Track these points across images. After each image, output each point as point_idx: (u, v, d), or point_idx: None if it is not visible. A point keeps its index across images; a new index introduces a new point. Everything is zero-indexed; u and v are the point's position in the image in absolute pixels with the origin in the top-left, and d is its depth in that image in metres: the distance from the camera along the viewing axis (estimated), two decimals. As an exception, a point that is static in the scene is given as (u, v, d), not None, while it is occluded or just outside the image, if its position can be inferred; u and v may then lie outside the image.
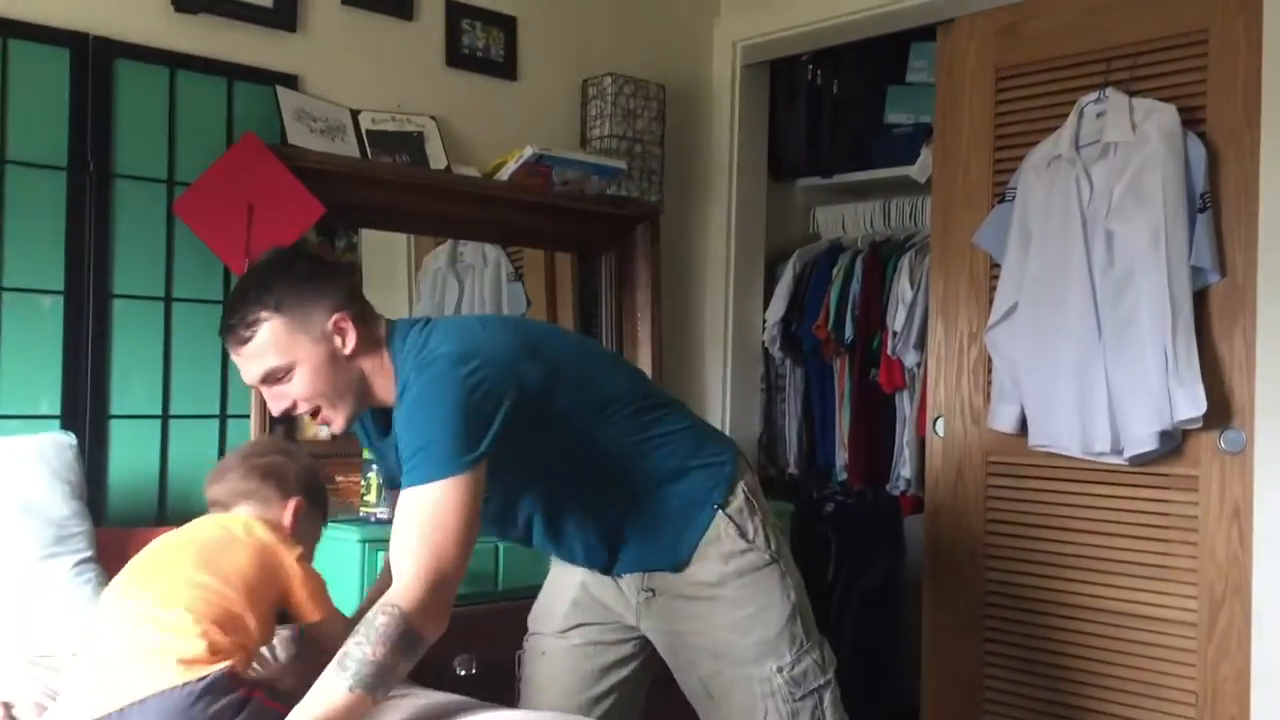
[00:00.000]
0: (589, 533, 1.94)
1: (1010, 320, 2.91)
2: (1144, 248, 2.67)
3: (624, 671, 2.07)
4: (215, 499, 1.85)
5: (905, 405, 3.65)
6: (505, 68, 3.25)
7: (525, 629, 2.15)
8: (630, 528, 1.94)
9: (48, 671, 1.93)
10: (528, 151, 3.02)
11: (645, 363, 3.35)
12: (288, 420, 2.77)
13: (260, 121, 2.75)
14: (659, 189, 3.46)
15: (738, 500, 1.96)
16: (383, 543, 2.07)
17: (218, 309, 2.70)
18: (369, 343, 1.82)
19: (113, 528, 2.41)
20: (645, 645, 2.08)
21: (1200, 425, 2.65)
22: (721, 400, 3.73)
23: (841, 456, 3.78)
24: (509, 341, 1.83)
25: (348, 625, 1.72)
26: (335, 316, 1.79)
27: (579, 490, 1.91)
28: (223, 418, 2.72)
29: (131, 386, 2.59)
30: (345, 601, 1.96)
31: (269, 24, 2.80)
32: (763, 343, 3.85)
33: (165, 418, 2.63)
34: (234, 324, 1.78)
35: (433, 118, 3.06)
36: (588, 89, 3.40)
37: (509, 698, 2.11)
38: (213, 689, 1.55)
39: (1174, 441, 2.71)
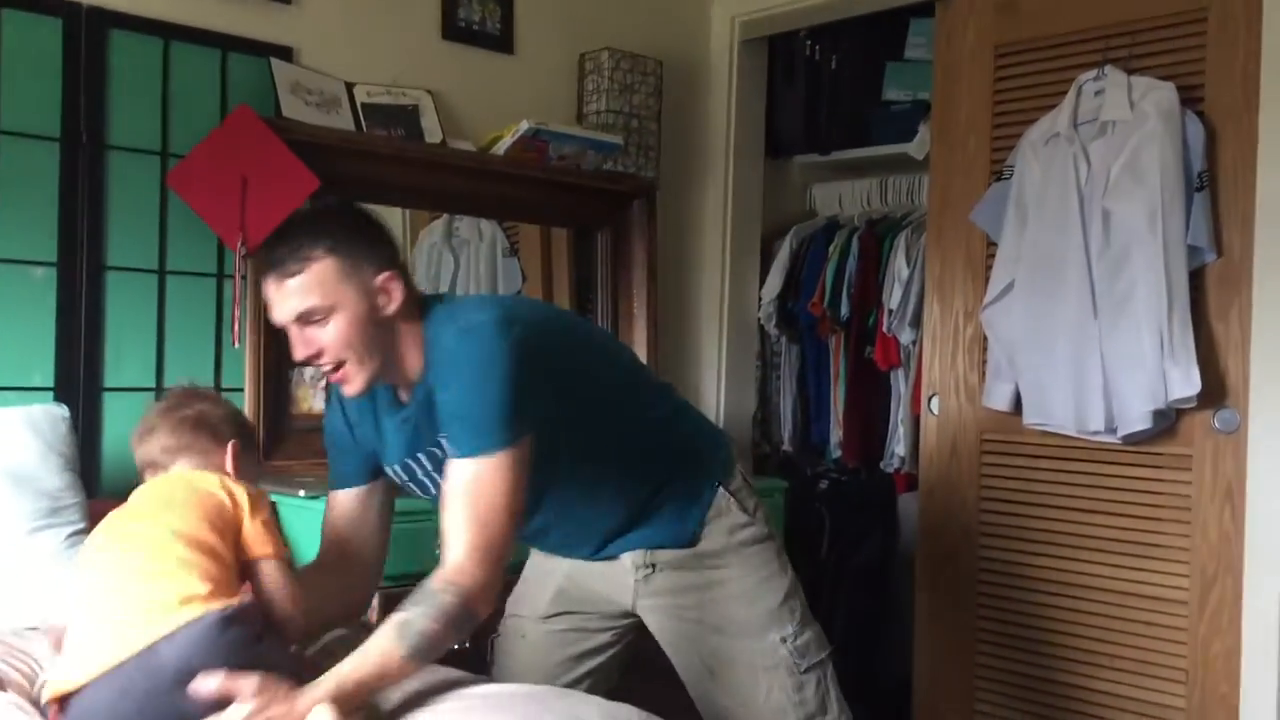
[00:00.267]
0: (601, 513, 1.93)
1: (1006, 298, 2.91)
2: (1141, 227, 2.67)
3: (599, 659, 2.09)
4: (149, 459, 1.82)
5: (900, 383, 3.65)
6: (502, 41, 3.23)
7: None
8: (641, 506, 1.94)
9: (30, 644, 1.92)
10: (524, 126, 3.01)
11: (641, 338, 3.35)
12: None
13: (255, 94, 2.73)
14: (655, 165, 3.45)
15: (737, 480, 2.01)
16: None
17: (212, 281, 2.71)
18: (408, 309, 1.78)
19: (106, 500, 2.40)
20: (623, 634, 2.09)
21: (1194, 405, 2.66)
22: (717, 377, 3.73)
23: (836, 434, 3.78)
24: (542, 312, 1.83)
25: (296, 576, 1.73)
26: (384, 274, 1.75)
27: (599, 469, 1.89)
28: (217, 390, 2.71)
29: (125, 359, 2.59)
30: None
31: (264, -5, 2.79)
32: (758, 320, 3.85)
33: (159, 390, 2.63)
34: (283, 256, 1.72)
35: (429, 91, 3.05)
36: (585, 63, 3.39)
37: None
38: (239, 617, 1.56)
39: (1168, 420, 2.72)
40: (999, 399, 2.97)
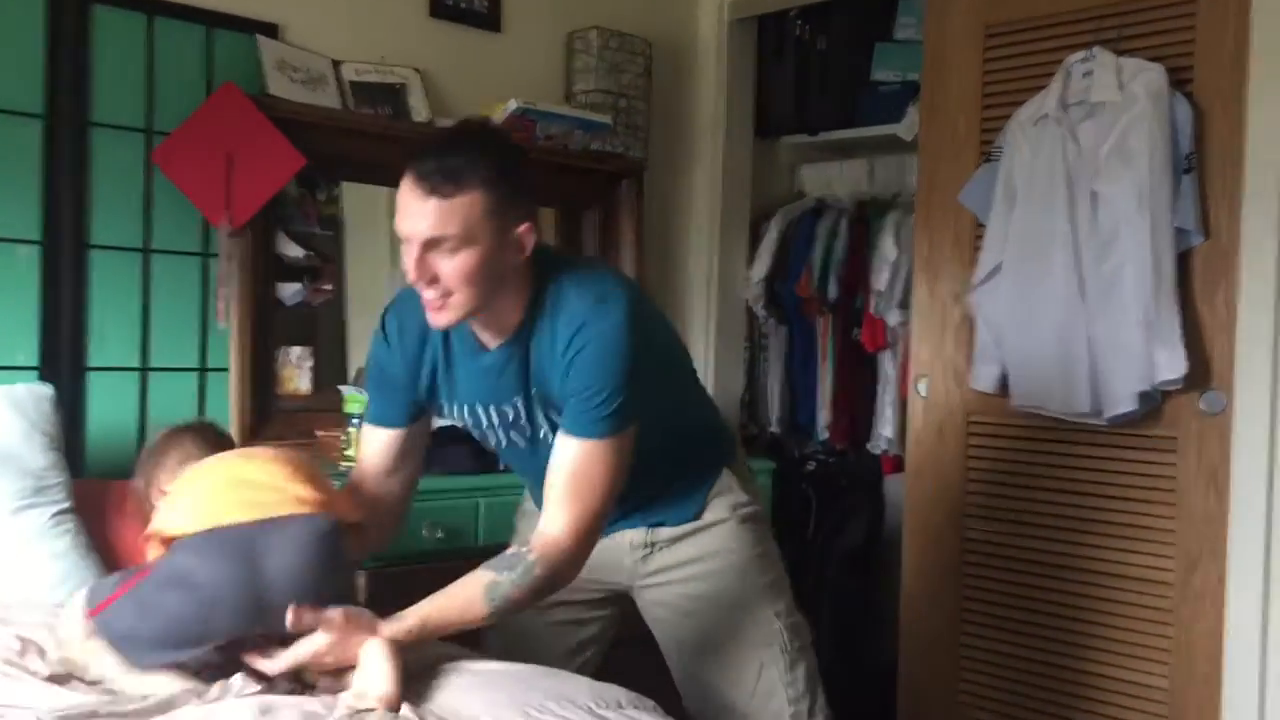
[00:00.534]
0: (637, 487, 1.87)
1: (994, 280, 2.91)
2: (1129, 208, 2.67)
3: (591, 650, 2.10)
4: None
5: (888, 365, 3.65)
6: (490, 19, 3.22)
7: None
8: (658, 490, 1.94)
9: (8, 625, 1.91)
10: (511, 105, 3.00)
11: (628, 320, 3.34)
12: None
13: (240, 71, 2.71)
14: (644, 145, 3.44)
15: (740, 460, 2.06)
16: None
17: (197, 260, 2.69)
18: (529, 263, 1.72)
19: (91, 479, 2.40)
20: (610, 622, 2.10)
21: (1181, 387, 2.66)
22: (705, 358, 3.72)
23: (823, 415, 3.79)
24: (640, 292, 1.85)
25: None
26: (525, 224, 1.68)
27: (652, 446, 1.84)
28: (202, 371, 2.70)
29: (109, 338, 2.57)
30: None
31: (249, -29, 2.76)
32: (746, 301, 3.85)
33: (144, 370, 2.62)
34: (437, 169, 1.62)
35: (416, 69, 3.03)
36: (573, 42, 3.37)
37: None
38: (342, 531, 1.64)
39: (1154, 403, 2.72)
40: (986, 381, 2.97)
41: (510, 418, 1.79)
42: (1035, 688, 2.97)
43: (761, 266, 3.80)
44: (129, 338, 2.61)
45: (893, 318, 3.55)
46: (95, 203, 2.55)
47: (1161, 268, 2.63)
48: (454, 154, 1.64)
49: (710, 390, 3.66)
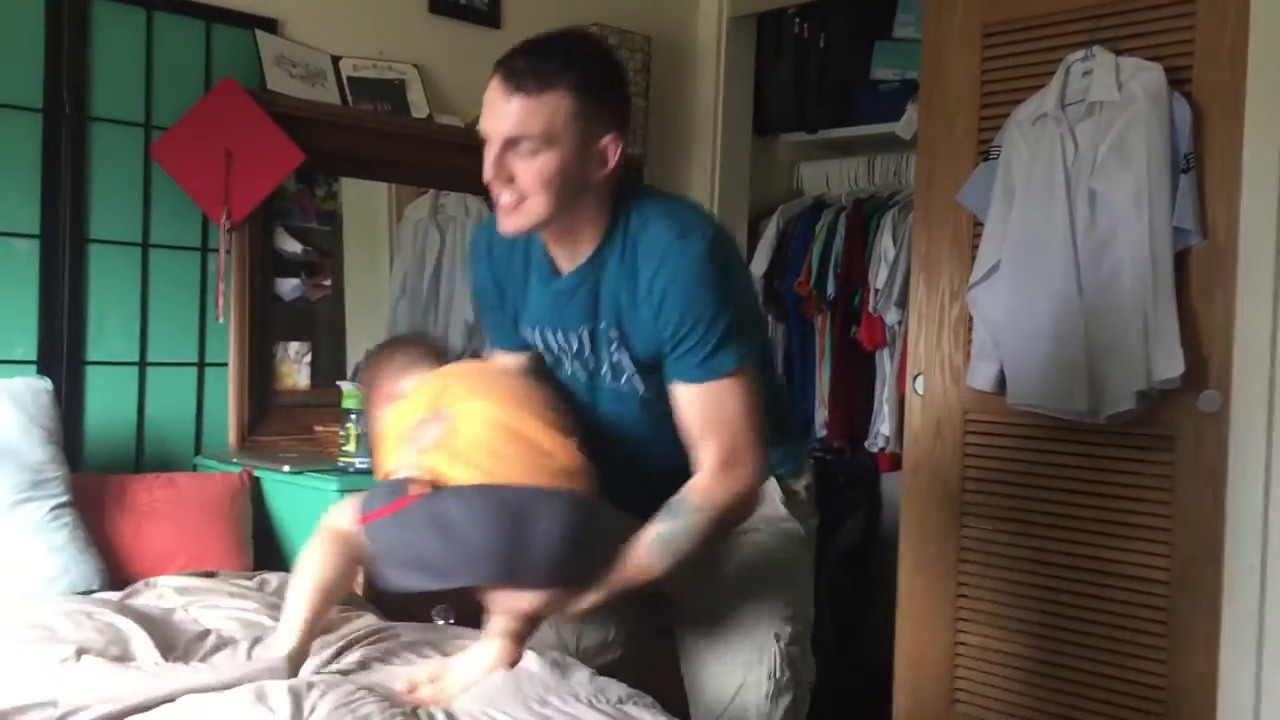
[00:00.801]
0: (664, 472, 1.73)
1: (992, 279, 2.91)
2: (1127, 208, 2.67)
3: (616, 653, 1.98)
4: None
5: (885, 363, 3.66)
6: (489, 15, 3.22)
7: None
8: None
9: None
10: (511, 101, 2.99)
11: (627, 316, 3.34)
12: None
13: (239, 66, 2.72)
14: (643, 142, 3.44)
15: (802, 480, 1.91)
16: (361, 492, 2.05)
17: (196, 255, 2.69)
18: (611, 181, 1.65)
19: (89, 473, 2.40)
20: (640, 645, 1.99)
21: (1178, 386, 2.67)
22: (702, 355, 3.71)
23: (821, 413, 3.79)
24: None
25: None
26: (611, 135, 1.62)
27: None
28: (201, 365, 2.70)
29: (108, 332, 2.58)
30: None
31: (249, -34, 2.76)
32: (745, 298, 3.84)
33: (143, 364, 2.62)
34: (529, 67, 1.56)
35: (415, 65, 3.03)
36: (572, 39, 3.37)
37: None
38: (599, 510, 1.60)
39: (1151, 402, 2.73)
40: (983, 379, 2.97)
41: (574, 348, 1.73)
42: (1031, 686, 2.97)
43: (760, 264, 3.80)
44: (128, 332, 2.61)
45: (891, 316, 3.56)
46: (94, 197, 2.55)
47: (1159, 267, 2.64)
48: (546, 54, 1.59)
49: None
